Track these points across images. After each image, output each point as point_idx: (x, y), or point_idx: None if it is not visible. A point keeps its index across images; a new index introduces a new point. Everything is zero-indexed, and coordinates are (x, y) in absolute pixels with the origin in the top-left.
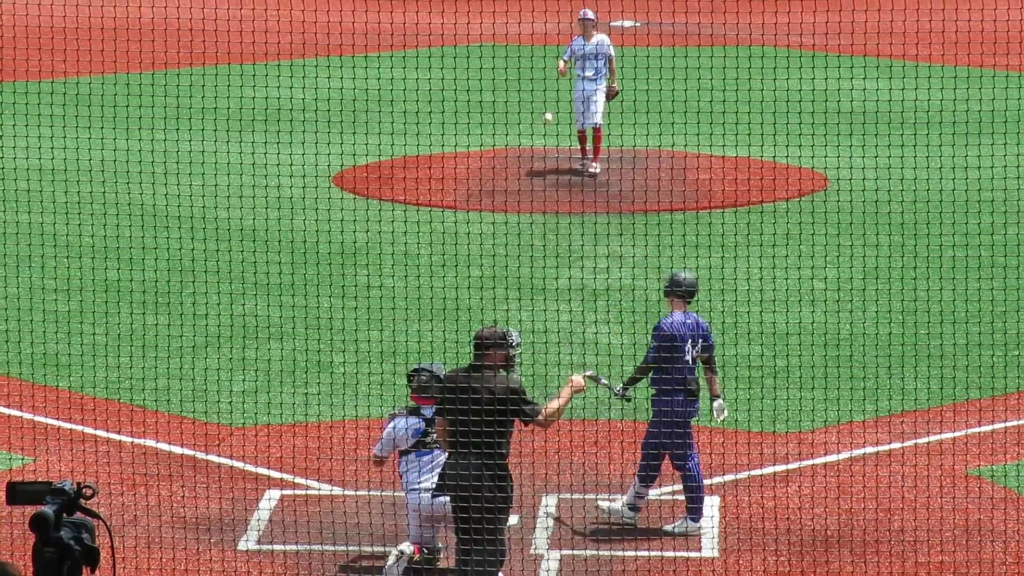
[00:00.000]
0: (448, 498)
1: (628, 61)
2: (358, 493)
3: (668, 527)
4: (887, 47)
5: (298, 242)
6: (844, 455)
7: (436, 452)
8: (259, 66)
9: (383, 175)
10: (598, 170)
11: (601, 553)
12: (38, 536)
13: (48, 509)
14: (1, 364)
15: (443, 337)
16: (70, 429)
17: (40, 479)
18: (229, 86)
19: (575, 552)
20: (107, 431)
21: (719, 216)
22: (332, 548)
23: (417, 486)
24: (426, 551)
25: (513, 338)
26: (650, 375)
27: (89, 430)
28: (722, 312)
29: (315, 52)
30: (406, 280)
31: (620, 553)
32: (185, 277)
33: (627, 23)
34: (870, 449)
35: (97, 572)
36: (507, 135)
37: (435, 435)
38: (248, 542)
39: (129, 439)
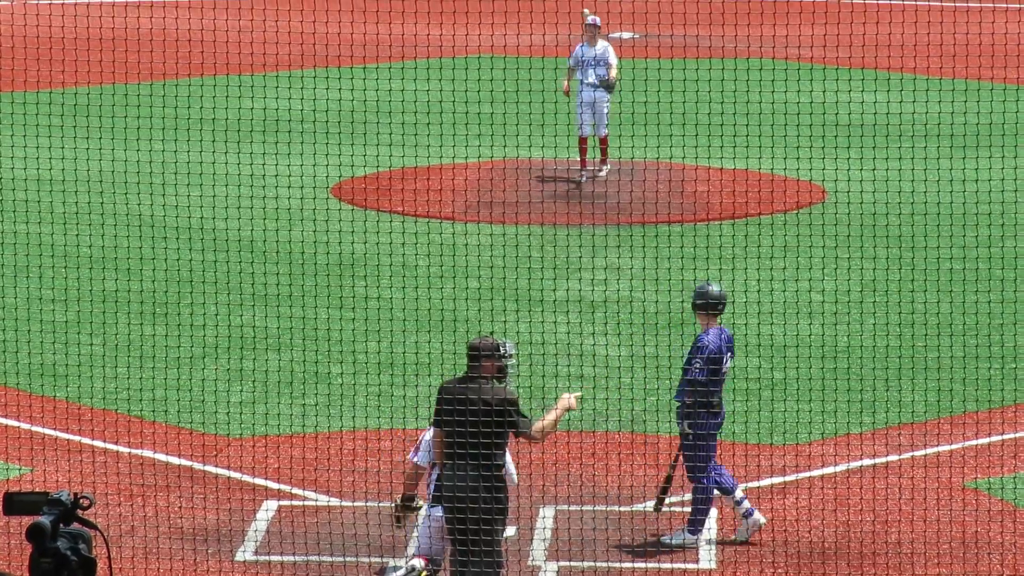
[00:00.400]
0: (437, 511)
1: (627, 73)
2: (356, 504)
3: (665, 538)
4: (885, 59)
5: (296, 253)
6: (841, 467)
7: None
8: (258, 77)
9: (381, 186)
10: (606, 171)
11: (598, 564)
12: (35, 546)
13: (45, 519)
14: None
15: (441, 349)
16: (68, 439)
17: (37, 489)
18: (227, 97)
19: (572, 563)
20: (105, 441)
21: (717, 228)
22: (330, 559)
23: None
24: (430, 565)
25: (507, 348)
26: (678, 391)
27: (87, 440)
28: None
29: (313, 63)
30: (404, 291)
31: (617, 564)
32: (183, 288)
33: (626, 35)
34: (867, 461)
35: None
36: (505, 147)
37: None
38: (246, 553)
39: (127, 449)
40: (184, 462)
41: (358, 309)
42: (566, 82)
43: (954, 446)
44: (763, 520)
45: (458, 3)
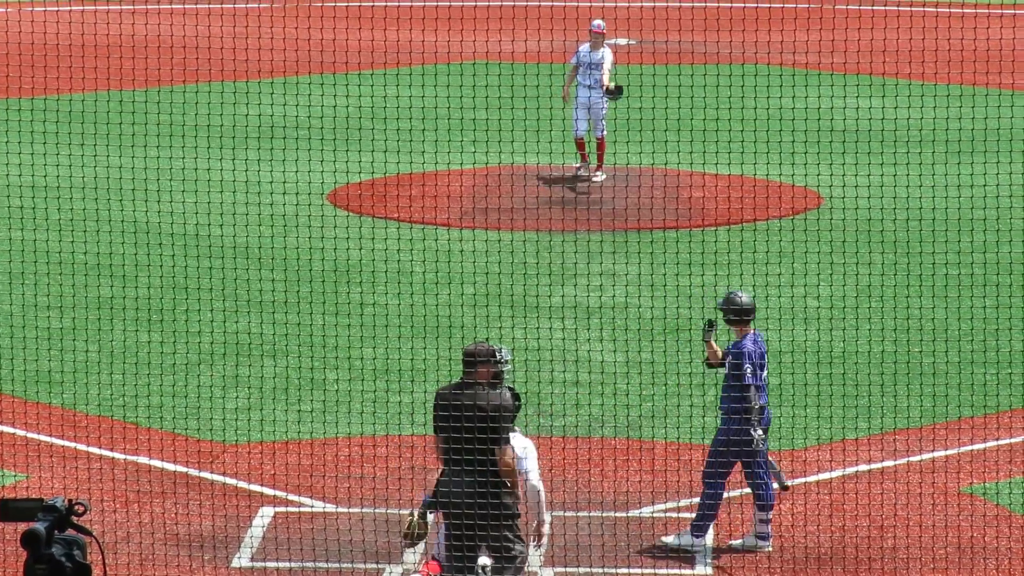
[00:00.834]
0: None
1: (623, 79)
2: (351, 510)
3: (668, 539)
4: (880, 65)
5: (292, 259)
6: (837, 472)
7: None
8: (253, 83)
9: (377, 192)
10: (602, 178)
11: (594, 570)
12: (29, 553)
13: (40, 526)
14: None
15: (437, 355)
16: (63, 446)
17: (32, 496)
18: (223, 103)
19: (568, 569)
20: (100, 448)
21: (713, 234)
22: (325, 565)
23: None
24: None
25: (503, 354)
26: (722, 400)
27: (82, 447)
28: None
29: (309, 69)
30: (400, 297)
31: (613, 570)
32: (179, 294)
33: (622, 41)
34: (863, 467)
35: None
36: (501, 153)
37: None
38: (241, 559)
39: (122, 456)
40: (180, 468)
41: (354, 315)
42: (565, 88)
43: (950, 451)
44: (769, 550)
45: (453, 9)
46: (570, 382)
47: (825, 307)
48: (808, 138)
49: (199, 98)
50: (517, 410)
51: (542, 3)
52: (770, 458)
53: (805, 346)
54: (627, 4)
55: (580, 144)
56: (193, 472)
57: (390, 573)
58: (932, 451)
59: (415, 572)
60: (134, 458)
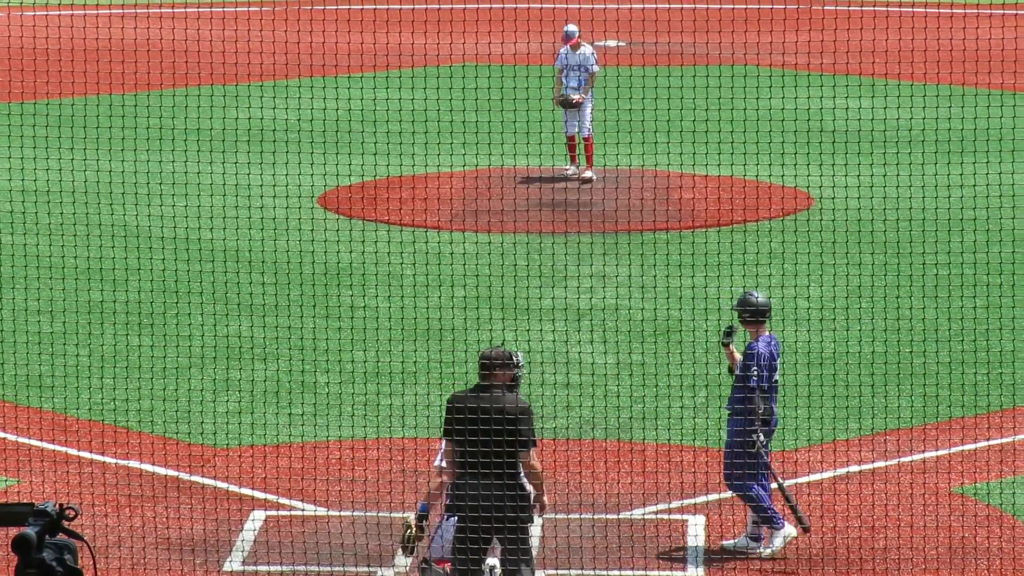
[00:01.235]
0: (455, 519)
1: (612, 80)
2: (343, 514)
3: (762, 550)
4: (870, 66)
5: (283, 263)
6: (828, 473)
7: None
8: (243, 87)
9: (368, 195)
10: (593, 176)
11: (585, 572)
12: (20, 558)
13: (30, 530)
14: None
15: (428, 358)
16: (54, 450)
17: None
18: (213, 107)
19: (559, 571)
20: (91, 452)
21: (703, 235)
22: (317, 569)
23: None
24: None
25: (518, 358)
26: (730, 399)
27: (73, 451)
28: (706, 331)
29: (299, 73)
30: (391, 300)
31: (604, 572)
32: (170, 298)
33: (611, 43)
34: (854, 467)
35: None
36: (491, 155)
37: None
38: (233, 563)
39: (113, 460)
40: (171, 472)
41: (345, 318)
42: (555, 93)
43: (941, 452)
44: (765, 554)
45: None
46: (561, 384)
47: (816, 308)
48: (798, 139)
49: (189, 102)
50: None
51: (531, 5)
52: (789, 493)
53: (796, 347)
54: (616, 6)
55: (571, 144)
56: (184, 476)
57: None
58: (923, 451)
59: (428, 567)
60: (125, 462)
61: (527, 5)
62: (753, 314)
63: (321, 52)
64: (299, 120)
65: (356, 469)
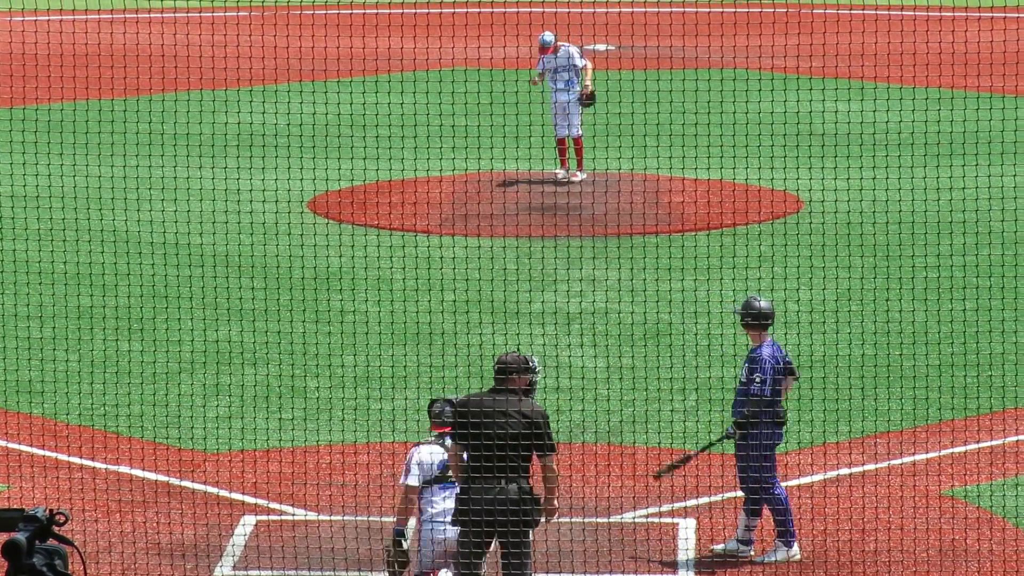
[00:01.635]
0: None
1: (602, 84)
2: (333, 518)
3: (764, 558)
4: (860, 69)
5: (273, 267)
6: (819, 476)
7: (443, 488)
8: (232, 92)
9: (357, 200)
10: (583, 177)
11: None
12: (10, 563)
13: (21, 536)
14: None
15: (418, 362)
16: (44, 456)
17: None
18: (202, 112)
19: (550, 575)
20: (82, 458)
21: (693, 239)
22: (307, 573)
23: (443, 520)
24: None
25: (534, 363)
26: (733, 404)
27: (64, 457)
28: (696, 335)
29: (288, 77)
30: (381, 305)
31: None
32: (160, 303)
33: (601, 47)
34: (844, 470)
35: None
36: (481, 159)
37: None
38: (224, 568)
39: (104, 466)
40: (161, 478)
41: (335, 323)
42: (537, 77)
43: (931, 454)
44: (752, 554)
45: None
46: (551, 388)
47: (805, 311)
48: (788, 142)
49: (178, 107)
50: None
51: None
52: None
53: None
54: (605, 9)
55: (561, 147)
56: (174, 481)
57: None
58: (913, 454)
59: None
60: (115, 467)
61: (516, 9)
62: (755, 318)
63: (311, 57)
64: (289, 125)
65: (346, 473)
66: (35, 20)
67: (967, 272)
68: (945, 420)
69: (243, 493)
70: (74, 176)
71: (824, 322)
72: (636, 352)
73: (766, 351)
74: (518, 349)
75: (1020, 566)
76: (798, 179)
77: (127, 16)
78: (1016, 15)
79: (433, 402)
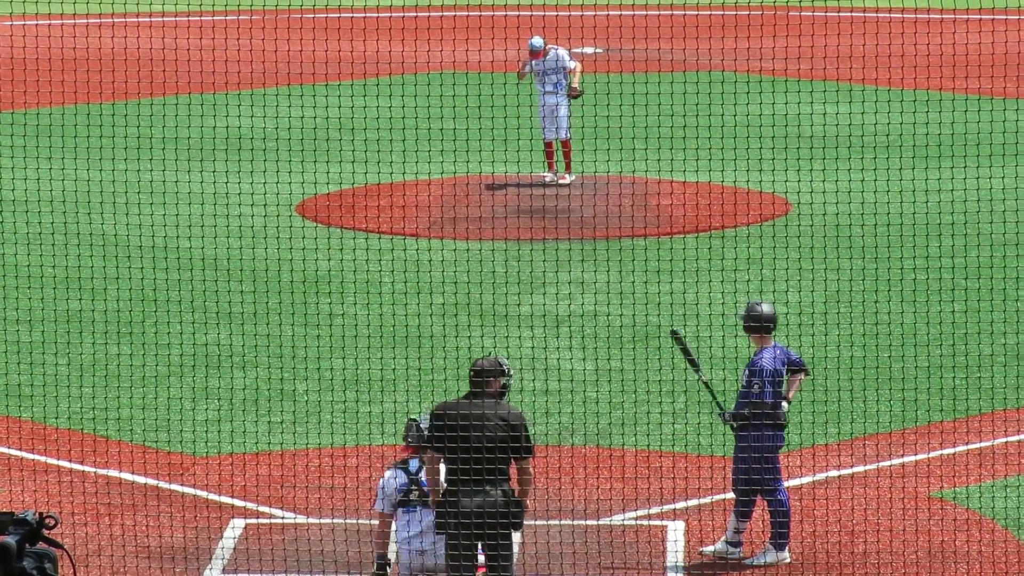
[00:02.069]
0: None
1: (590, 87)
2: (323, 521)
3: (753, 560)
4: (847, 71)
5: (261, 271)
6: (808, 479)
7: (419, 509)
8: (220, 95)
9: (346, 203)
10: (571, 180)
11: None
12: (0, 566)
13: (10, 539)
14: None
15: (407, 365)
16: (33, 459)
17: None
18: (190, 116)
19: None
20: (70, 461)
21: (681, 241)
22: None
23: (407, 545)
24: None
25: (507, 366)
26: (733, 407)
27: (52, 461)
28: (684, 337)
29: (277, 81)
30: (369, 308)
31: None
32: (148, 307)
33: (588, 50)
34: (833, 472)
35: None
36: (469, 162)
37: (417, 492)
38: (213, 571)
39: (93, 469)
40: (151, 481)
41: (323, 326)
42: (520, 73)
43: (920, 456)
44: (740, 556)
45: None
46: (540, 391)
47: (794, 313)
48: (776, 145)
49: (167, 111)
50: None
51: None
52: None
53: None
54: (594, 12)
55: (549, 150)
56: (163, 485)
57: None
58: (902, 456)
59: None
60: (104, 471)
61: (504, 13)
62: (756, 320)
63: (299, 60)
64: (277, 128)
65: (335, 477)
66: (23, 24)
67: (956, 274)
68: (934, 422)
69: (232, 496)
70: (63, 180)
71: (813, 324)
72: (624, 355)
73: (767, 357)
74: (492, 352)
75: (1009, 568)
76: (786, 181)
77: (115, 20)
78: (1004, 17)
79: (409, 422)
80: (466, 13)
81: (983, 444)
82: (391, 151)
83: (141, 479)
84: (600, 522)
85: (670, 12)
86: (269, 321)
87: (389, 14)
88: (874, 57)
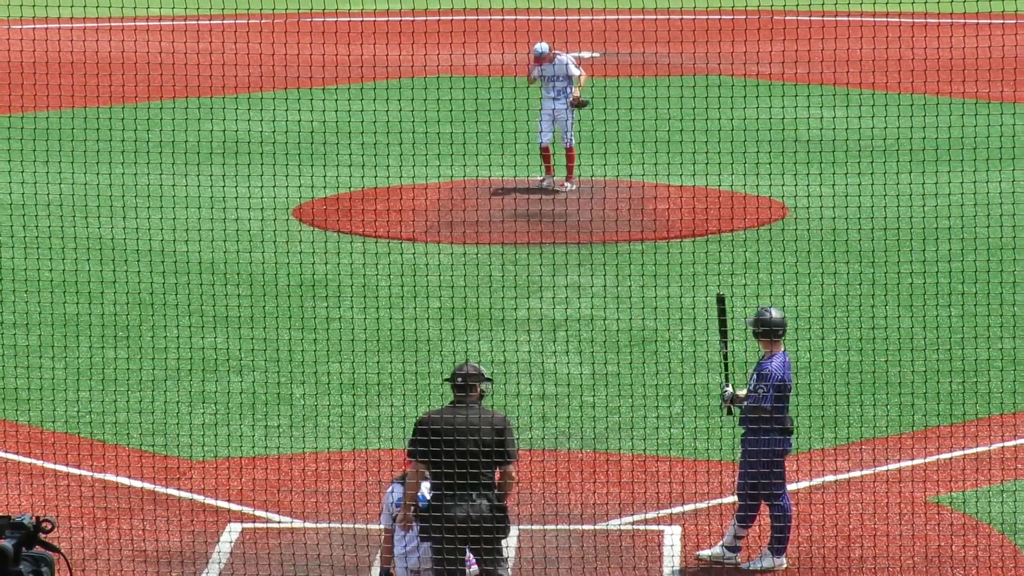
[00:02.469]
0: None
1: (587, 91)
2: (319, 526)
3: (749, 564)
4: (844, 75)
5: (258, 275)
6: (804, 483)
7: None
8: (217, 99)
9: (342, 207)
10: (572, 187)
11: None
12: None
13: (7, 543)
14: None
15: (403, 369)
16: (30, 464)
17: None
18: (187, 119)
19: None
20: (67, 465)
21: (678, 246)
22: None
23: (402, 562)
24: None
25: (485, 371)
26: (739, 413)
27: (49, 465)
28: (681, 342)
29: (273, 85)
30: (366, 312)
31: None
32: (145, 311)
33: (585, 54)
34: (830, 477)
35: None
36: (466, 166)
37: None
38: (209, 575)
39: (89, 473)
40: (147, 485)
41: (320, 330)
42: (529, 79)
43: (917, 461)
44: (738, 561)
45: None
46: (536, 395)
47: (791, 317)
48: (772, 149)
49: (163, 115)
50: None
51: (505, 17)
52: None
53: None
54: (591, 17)
55: (545, 155)
56: (160, 489)
57: None
58: (899, 461)
59: None
60: (101, 475)
61: (502, 17)
62: (767, 331)
63: (296, 64)
64: (274, 132)
65: (332, 481)
66: (20, 28)
67: (952, 278)
68: (931, 427)
69: (229, 501)
70: (59, 184)
71: (809, 329)
72: (621, 359)
73: (774, 366)
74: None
75: (1006, 572)
76: (783, 185)
77: (112, 24)
78: (1001, 21)
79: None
80: (463, 17)
81: (980, 449)
82: (388, 155)
83: (138, 483)
84: (596, 527)
85: (667, 16)
86: (266, 325)
87: (386, 18)
88: (870, 61)
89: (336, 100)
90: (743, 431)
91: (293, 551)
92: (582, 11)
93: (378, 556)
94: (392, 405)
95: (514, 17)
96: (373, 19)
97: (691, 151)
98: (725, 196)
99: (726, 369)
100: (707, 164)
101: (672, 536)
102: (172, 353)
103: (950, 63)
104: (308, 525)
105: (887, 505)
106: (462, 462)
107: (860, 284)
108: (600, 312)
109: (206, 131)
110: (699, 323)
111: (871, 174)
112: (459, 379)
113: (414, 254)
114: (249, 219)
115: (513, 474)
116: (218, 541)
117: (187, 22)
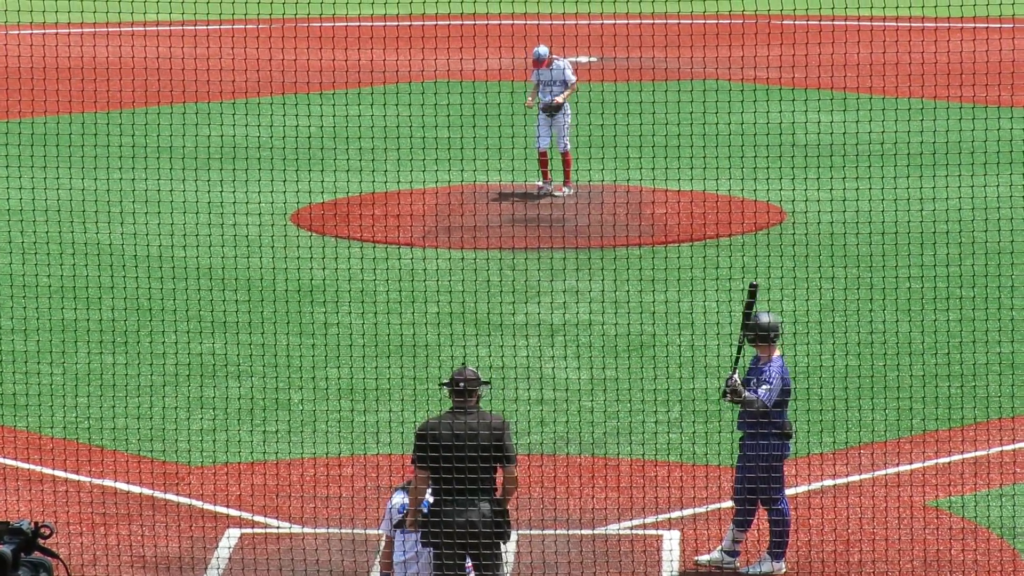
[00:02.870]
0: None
1: (584, 96)
2: (318, 531)
3: (749, 569)
4: (841, 80)
5: (256, 280)
6: (803, 488)
7: (415, 533)
8: (215, 104)
9: (340, 213)
10: (568, 192)
11: None
12: None
13: (6, 549)
14: None
15: (402, 374)
16: (28, 469)
17: None
18: (185, 125)
19: None
20: (66, 471)
21: (676, 250)
22: None
23: (402, 569)
24: None
25: (480, 376)
26: (739, 416)
27: (48, 470)
28: (679, 346)
29: (271, 90)
30: (364, 317)
31: None
32: (143, 316)
33: (583, 59)
34: (829, 482)
35: None
36: (464, 171)
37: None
38: None
39: (88, 479)
40: (146, 491)
41: (318, 336)
42: (530, 97)
43: (916, 465)
44: (737, 566)
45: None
46: (535, 400)
47: (789, 322)
48: (770, 153)
49: (161, 120)
50: None
51: (503, 21)
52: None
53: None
54: (587, 21)
55: (543, 160)
56: (159, 494)
57: None
58: (897, 465)
59: None
60: (99, 481)
61: (499, 22)
62: (764, 335)
63: (294, 69)
64: (272, 137)
65: (331, 486)
66: (18, 33)
67: (950, 283)
68: (929, 431)
69: (227, 506)
70: (57, 189)
71: (807, 333)
72: (619, 364)
73: (773, 369)
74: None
75: None
76: (781, 190)
77: (110, 30)
78: (998, 25)
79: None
80: (460, 22)
81: (978, 453)
82: (385, 160)
83: (136, 489)
84: (595, 532)
85: (664, 21)
86: (264, 330)
87: (383, 23)
88: (868, 65)
89: (334, 105)
90: (741, 435)
91: (292, 556)
92: (579, 16)
93: (377, 561)
94: (391, 410)
95: (511, 22)
96: (371, 24)
97: (689, 156)
98: (723, 201)
99: (737, 360)
100: (705, 169)
101: (671, 541)
102: (170, 358)
103: (947, 67)
104: (307, 530)
105: (886, 509)
106: (463, 467)
107: (858, 288)
108: (598, 317)
109: (204, 136)
110: (697, 327)
111: (869, 178)
112: (460, 384)
113: (412, 259)
114: (247, 224)
115: (515, 476)
116: (217, 547)
117: (184, 27)
